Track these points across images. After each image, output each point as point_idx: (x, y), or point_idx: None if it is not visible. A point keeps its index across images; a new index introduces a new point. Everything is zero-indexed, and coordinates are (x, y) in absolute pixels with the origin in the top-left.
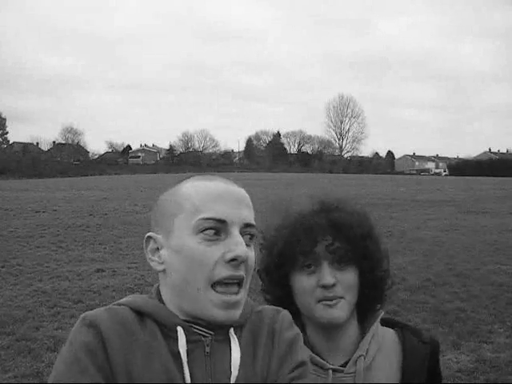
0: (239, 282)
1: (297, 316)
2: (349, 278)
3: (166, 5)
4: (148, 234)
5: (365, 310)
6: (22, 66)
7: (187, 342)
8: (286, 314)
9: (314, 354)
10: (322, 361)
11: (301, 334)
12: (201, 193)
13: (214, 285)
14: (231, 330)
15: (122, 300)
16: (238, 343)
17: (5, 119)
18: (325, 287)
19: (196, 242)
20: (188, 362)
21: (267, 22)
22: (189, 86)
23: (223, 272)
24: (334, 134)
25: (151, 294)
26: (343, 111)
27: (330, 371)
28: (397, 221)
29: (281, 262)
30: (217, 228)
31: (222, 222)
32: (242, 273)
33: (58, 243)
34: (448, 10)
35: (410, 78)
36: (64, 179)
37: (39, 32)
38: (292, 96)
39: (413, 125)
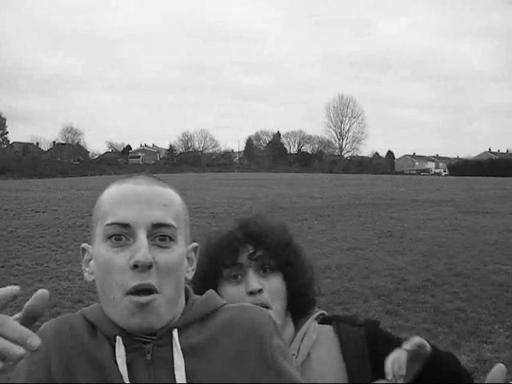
0: (150, 289)
1: None
2: (275, 284)
3: (166, 5)
4: (82, 245)
5: (297, 313)
6: (22, 66)
7: (129, 350)
8: (271, 316)
9: None
10: None
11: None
12: (110, 197)
13: (128, 294)
14: (174, 333)
15: (84, 308)
16: (179, 348)
17: (5, 119)
18: (252, 293)
19: (105, 250)
20: (130, 372)
21: (267, 22)
22: (189, 86)
23: (131, 281)
24: (334, 133)
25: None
26: (343, 111)
27: None
28: (397, 221)
29: (205, 276)
30: (122, 233)
31: (125, 225)
32: (149, 281)
33: (57, 243)
34: (447, 10)
35: (409, 78)
36: (64, 179)
37: (39, 32)
38: (292, 96)
39: (413, 125)
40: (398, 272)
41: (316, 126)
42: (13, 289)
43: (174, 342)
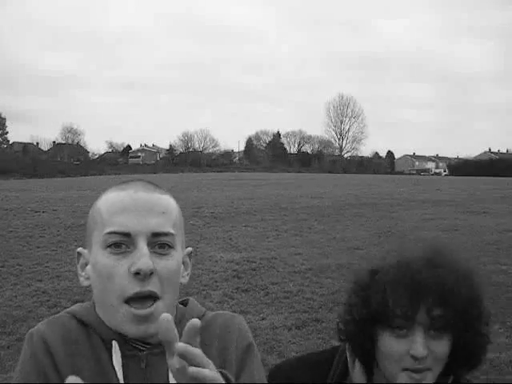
0: (152, 296)
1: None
2: (443, 348)
3: (166, 4)
4: (78, 249)
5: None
6: (21, 65)
7: (123, 356)
8: (241, 321)
9: None
10: None
11: (254, 344)
12: (109, 205)
13: (128, 301)
14: None
15: (68, 308)
16: None
17: (5, 119)
18: (415, 358)
19: (105, 257)
20: (125, 377)
21: (267, 22)
22: (189, 86)
23: (131, 288)
24: (334, 133)
25: (92, 303)
26: (343, 111)
27: None
28: (397, 221)
29: (374, 317)
30: (122, 241)
31: (126, 234)
32: (149, 288)
33: (57, 243)
34: (449, 10)
35: (410, 78)
36: (64, 179)
37: (39, 32)
38: (292, 96)
39: (413, 125)
40: None
41: (316, 126)
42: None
43: None
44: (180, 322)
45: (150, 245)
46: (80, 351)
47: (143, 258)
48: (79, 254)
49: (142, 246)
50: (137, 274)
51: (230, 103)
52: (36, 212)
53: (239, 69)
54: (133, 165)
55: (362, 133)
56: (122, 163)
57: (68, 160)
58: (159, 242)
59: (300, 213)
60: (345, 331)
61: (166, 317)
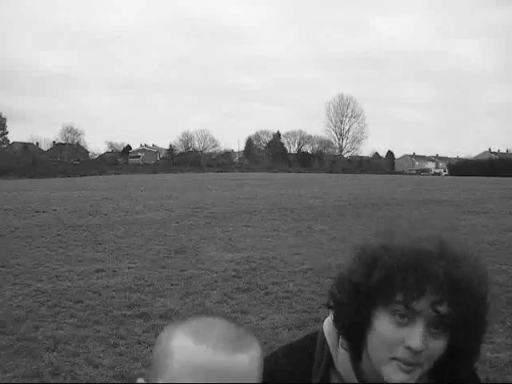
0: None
1: (358, 346)
2: (439, 346)
3: (167, 4)
4: (138, 380)
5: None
6: (22, 65)
7: None
8: None
9: None
10: None
11: None
12: (182, 360)
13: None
14: None
15: None
16: None
17: (5, 119)
18: (410, 350)
19: None
20: None
21: (267, 22)
22: (188, 86)
23: None
24: (333, 133)
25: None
26: (343, 111)
27: None
28: (397, 221)
29: (375, 291)
30: None
31: None
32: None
33: (57, 243)
34: (449, 9)
35: (410, 78)
36: (64, 179)
37: (39, 31)
38: (292, 96)
39: (413, 125)
40: None
41: (316, 126)
42: None
43: None
44: None
45: None
46: None
47: None
48: None
49: None
50: None
51: (229, 103)
52: (36, 212)
53: (239, 69)
54: (133, 165)
55: (362, 133)
56: (122, 163)
57: (68, 160)
58: None
59: (300, 213)
60: (337, 296)
61: None
